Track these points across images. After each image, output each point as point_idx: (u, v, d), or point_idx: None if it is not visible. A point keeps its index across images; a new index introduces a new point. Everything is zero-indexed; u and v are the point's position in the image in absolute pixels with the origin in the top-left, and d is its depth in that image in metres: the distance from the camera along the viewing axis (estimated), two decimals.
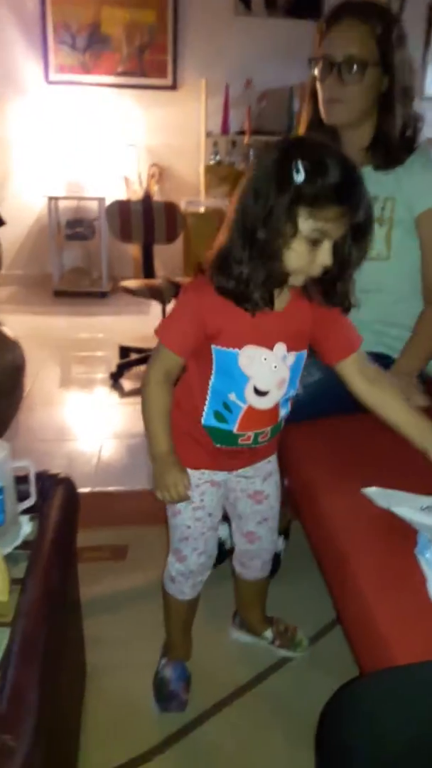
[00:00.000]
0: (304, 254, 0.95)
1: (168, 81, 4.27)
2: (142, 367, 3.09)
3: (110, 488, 2.13)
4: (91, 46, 4.16)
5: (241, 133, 4.30)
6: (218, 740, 1.27)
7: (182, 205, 3.42)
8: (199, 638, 1.43)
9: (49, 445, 2.42)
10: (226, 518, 1.36)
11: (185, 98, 4.33)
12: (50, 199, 4.30)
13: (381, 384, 1.12)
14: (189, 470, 1.12)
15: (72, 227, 4.44)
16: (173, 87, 4.30)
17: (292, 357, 1.09)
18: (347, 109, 1.43)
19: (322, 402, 1.40)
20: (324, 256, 0.95)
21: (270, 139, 1.01)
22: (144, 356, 3.09)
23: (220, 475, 1.22)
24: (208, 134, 4.30)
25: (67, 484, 1.19)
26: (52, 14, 4.07)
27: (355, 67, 1.37)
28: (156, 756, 1.25)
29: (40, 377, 3.02)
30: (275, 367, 1.08)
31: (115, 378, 3.00)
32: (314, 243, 0.94)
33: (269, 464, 1.27)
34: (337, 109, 1.43)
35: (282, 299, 1.05)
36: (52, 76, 4.20)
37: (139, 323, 3.75)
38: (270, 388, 1.10)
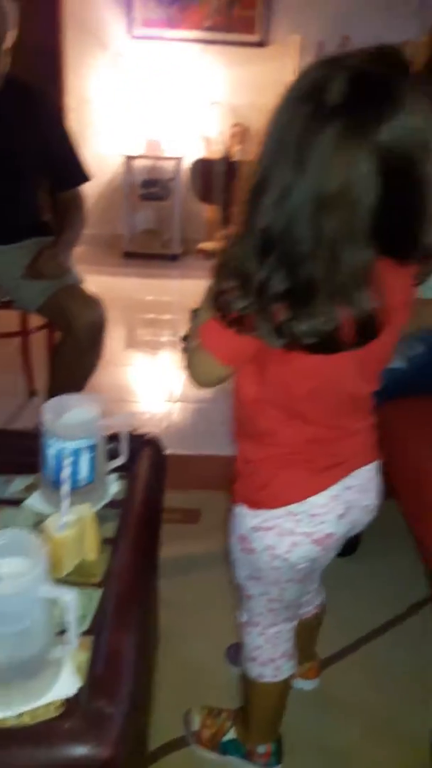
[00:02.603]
0: None
1: (256, 37, 4.11)
2: None
3: (182, 452, 2.10)
4: None
5: None
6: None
7: None
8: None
9: (119, 406, 2.40)
10: None
11: (274, 56, 4.15)
12: (127, 158, 4.24)
13: None
14: None
15: (147, 187, 4.38)
16: (261, 44, 4.13)
17: None
18: None
19: (428, 376, 1.31)
20: None
21: None
22: None
23: None
24: None
25: (155, 444, 1.16)
26: None
27: None
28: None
29: (108, 338, 3.00)
30: None
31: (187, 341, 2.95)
32: None
33: None
34: None
35: None
36: (136, 31, 4.10)
37: None
38: None
